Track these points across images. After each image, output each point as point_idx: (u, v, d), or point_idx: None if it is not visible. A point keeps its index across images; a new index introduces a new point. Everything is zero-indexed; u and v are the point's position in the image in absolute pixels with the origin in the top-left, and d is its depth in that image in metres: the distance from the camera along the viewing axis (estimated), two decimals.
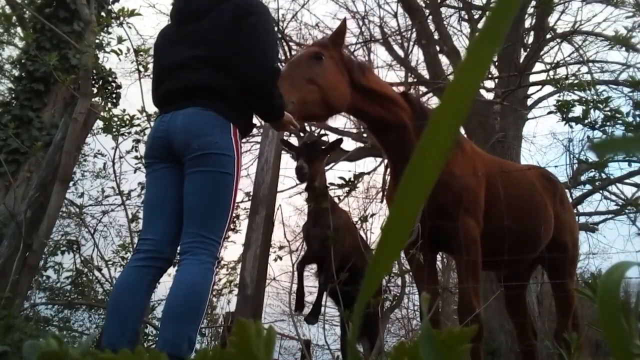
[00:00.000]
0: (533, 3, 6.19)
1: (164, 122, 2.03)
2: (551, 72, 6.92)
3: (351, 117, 8.74)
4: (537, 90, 7.86)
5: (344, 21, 2.36)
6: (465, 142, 2.54)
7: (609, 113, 2.99)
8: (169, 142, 2.00)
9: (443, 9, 8.10)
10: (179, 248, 1.92)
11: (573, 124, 3.12)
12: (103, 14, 7.01)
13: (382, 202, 6.86)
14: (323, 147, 2.93)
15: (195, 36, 2.05)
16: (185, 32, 2.10)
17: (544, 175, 2.97)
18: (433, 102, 7.25)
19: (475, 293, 2.17)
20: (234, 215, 2.10)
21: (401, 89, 5.70)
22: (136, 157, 3.59)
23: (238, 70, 1.98)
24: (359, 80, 2.22)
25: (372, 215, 3.16)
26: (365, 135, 7.75)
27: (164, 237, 1.94)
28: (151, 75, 2.33)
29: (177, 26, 2.18)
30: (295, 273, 2.90)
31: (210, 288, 1.84)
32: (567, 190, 5.74)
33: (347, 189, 2.99)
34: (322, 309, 2.93)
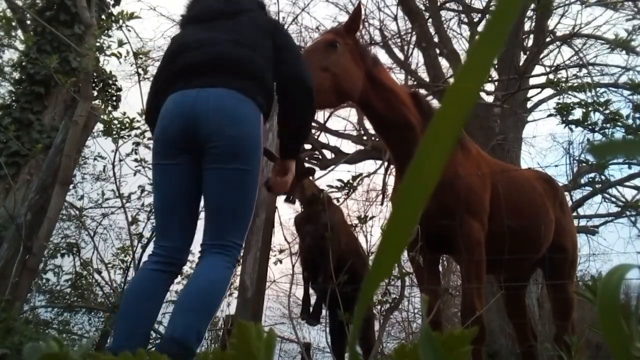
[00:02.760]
0: (532, 6, 6.21)
1: (188, 99, 1.74)
2: (551, 75, 6.93)
3: (350, 119, 8.75)
4: (537, 93, 7.87)
5: (359, 6, 2.35)
6: (471, 144, 2.54)
7: (609, 115, 2.99)
8: (195, 125, 1.74)
9: (443, 12, 8.12)
10: (200, 246, 1.82)
11: (573, 126, 3.13)
12: (103, 17, 7.03)
13: (382, 204, 6.85)
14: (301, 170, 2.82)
15: (231, 28, 1.91)
16: (214, 25, 1.94)
17: (545, 179, 2.97)
18: (434, 104, 7.25)
19: (478, 295, 2.16)
20: None
21: None
22: (136, 160, 3.59)
23: (282, 68, 1.89)
24: (370, 69, 2.23)
25: (372, 217, 3.15)
26: (365, 137, 7.76)
27: (181, 243, 1.85)
28: (151, 78, 2.22)
29: (202, 22, 1.99)
30: (297, 276, 2.90)
31: (228, 287, 1.79)
32: (567, 193, 5.74)
33: (346, 191, 2.99)
34: (323, 311, 2.93)
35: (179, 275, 1.96)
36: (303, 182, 2.82)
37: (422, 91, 7.74)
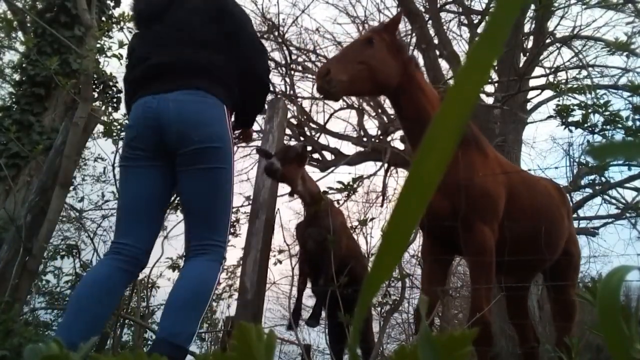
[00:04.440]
0: (532, 7, 6.21)
1: (150, 107, 1.78)
2: (551, 77, 6.93)
3: (350, 121, 8.75)
4: (537, 95, 7.87)
5: (400, 13, 2.65)
6: (489, 148, 2.53)
7: (608, 117, 2.99)
8: (159, 133, 1.78)
9: (442, 14, 8.13)
10: (184, 249, 1.87)
11: (573, 128, 3.13)
12: (104, 18, 7.03)
13: (382, 206, 6.85)
14: (298, 154, 2.85)
15: (175, 26, 1.93)
16: (160, 26, 1.96)
17: (557, 188, 2.99)
18: None
19: (487, 301, 2.16)
20: (233, 219, 2.06)
21: None
22: None
23: (231, 53, 1.93)
24: (406, 64, 2.31)
25: (372, 219, 3.15)
26: (365, 139, 7.76)
27: (144, 244, 1.84)
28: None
29: (147, 24, 2.01)
30: (297, 278, 2.90)
31: (215, 286, 1.80)
32: (567, 194, 5.73)
33: (346, 193, 2.99)
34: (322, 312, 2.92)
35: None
36: (305, 176, 2.82)
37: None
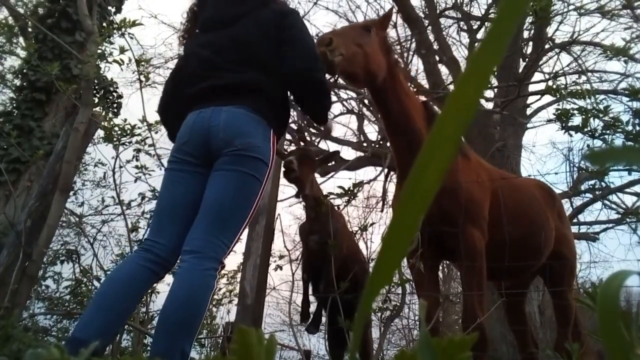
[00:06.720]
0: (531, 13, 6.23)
1: (203, 118, 1.91)
2: (550, 82, 6.94)
3: (350, 126, 8.76)
4: (537, 100, 7.88)
5: (391, 9, 2.69)
6: (471, 152, 2.58)
7: (609, 121, 2.99)
8: (208, 139, 1.88)
9: (442, 20, 8.16)
10: (182, 252, 1.78)
11: (573, 132, 3.13)
12: (105, 24, 7.06)
13: (382, 211, 6.85)
14: (317, 157, 2.93)
15: (234, 40, 2.00)
16: (221, 36, 2.03)
17: (543, 188, 3.00)
18: None
19: (479, 303, 2.16)
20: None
21: None
22: (136, 167, 3.59)
23: (281, 70, 1.95)
24: (392, 65, 2.35)
25: (372, 224, 3.15)
26: (365, 144, 7.77)
27: (176, 247, 1.81)
28: (152, 85, 2.25)
29: (210, 31, 2.09)
30: (297, 283, 2.89)
31: (211, 295, 1.73)
32: (567, 199, 5.74)
33: (346, 198, 2.99)
34: (323, 318, 2.91)
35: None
36: (313, 180, 2.85)
37: (422, 98, 7.74)
